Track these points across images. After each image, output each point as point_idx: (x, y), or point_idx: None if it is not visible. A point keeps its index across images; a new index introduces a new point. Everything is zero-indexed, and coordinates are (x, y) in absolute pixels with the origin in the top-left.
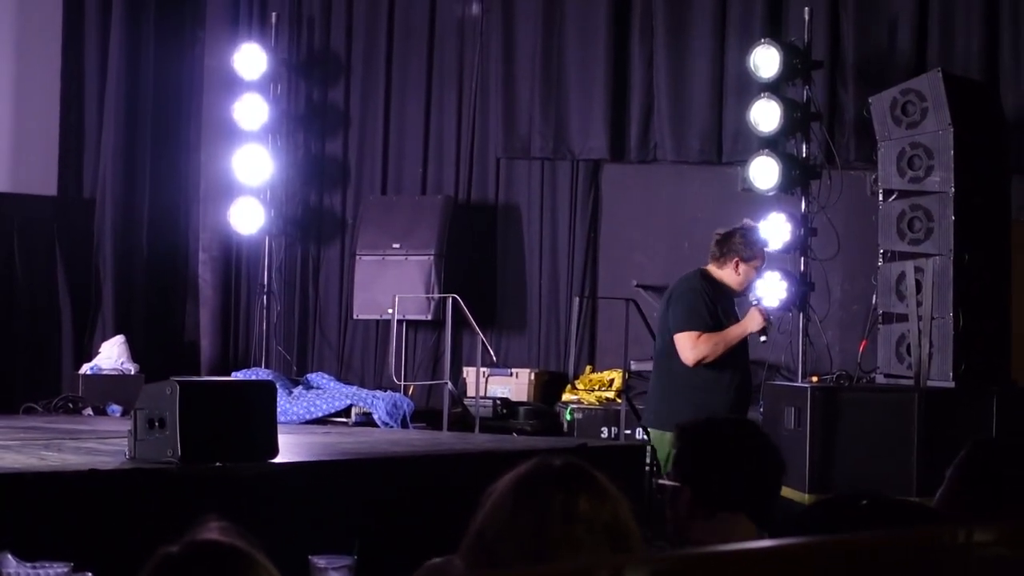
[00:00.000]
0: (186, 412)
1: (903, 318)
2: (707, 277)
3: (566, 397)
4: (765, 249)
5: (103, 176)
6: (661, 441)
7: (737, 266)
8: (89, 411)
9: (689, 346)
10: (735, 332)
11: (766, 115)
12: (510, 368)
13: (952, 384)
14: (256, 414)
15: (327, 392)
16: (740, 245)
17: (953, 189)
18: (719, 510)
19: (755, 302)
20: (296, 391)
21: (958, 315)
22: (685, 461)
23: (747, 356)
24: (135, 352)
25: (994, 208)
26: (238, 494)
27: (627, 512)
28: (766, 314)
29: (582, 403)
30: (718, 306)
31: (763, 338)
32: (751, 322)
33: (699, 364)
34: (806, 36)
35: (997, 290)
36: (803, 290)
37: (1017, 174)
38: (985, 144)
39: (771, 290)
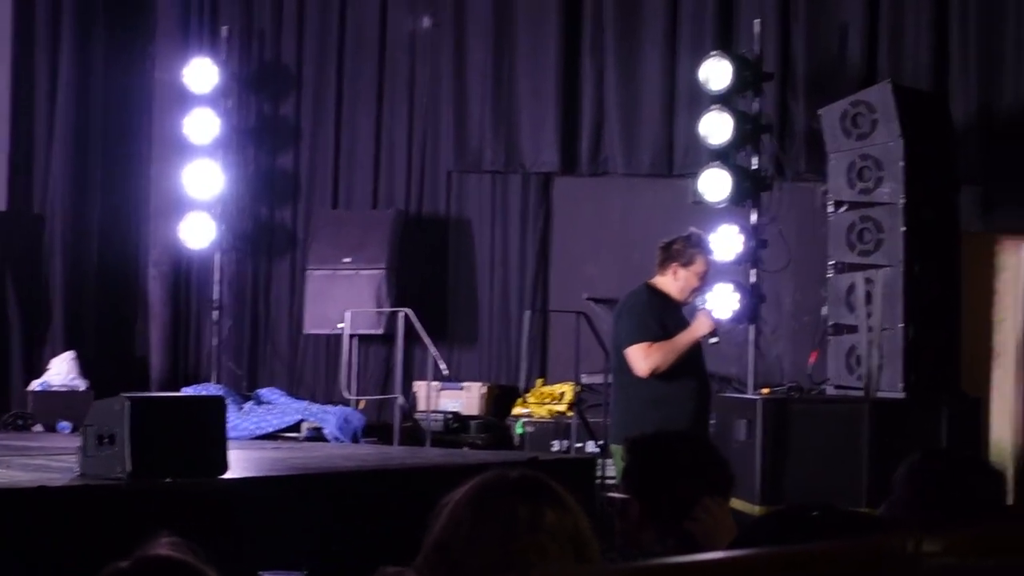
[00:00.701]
0: (136, 428)
1: (853, 329)
2: (652, 289)
3: (517, 411)
4: (710, 257)
5: (53, 190)
6: (616, 452)
7: (676, 272)
8: (39, 427)
9: (641, 357)
10: (684, 339)
11: (717, 127)
12: (461, 382)
13: (902, 395)
14: (206, 430)
15: (277, 407)
16: (678, 252)
17: (903, 200)
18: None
19: (702, 306)
20: (246, 406)
21: (908, 326)
22: (633, 474)
23: (703, 364)
24: (85, 368)
25: (944, 219)
26: (188, 510)
27: (586, 523)
28: (713, 317)
29: (533, 416)
30: (666, 317)
31: (713, 340)
32: (699, 326)
33: (653, 375)
34: (756, 48)
35: (947, 301)
36: (754, 302)
37: (967, 185)
38: (935, 155)
39: (723, 302)
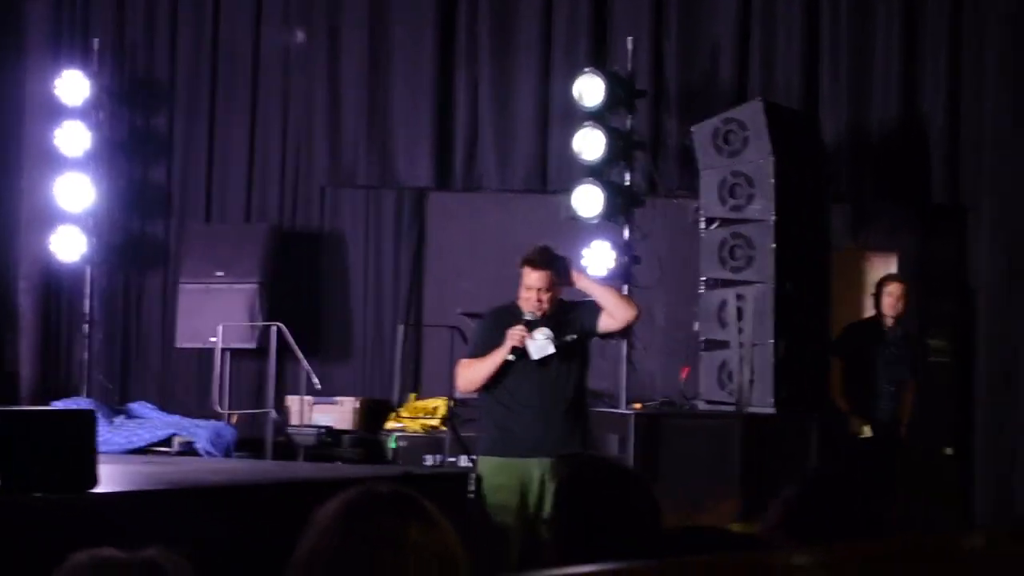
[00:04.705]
0: (2, 442)
1: (725, 345)
2: (506, 305)
3: (390, 425)
4: (529, 268)
5: None
6: (480, 466)
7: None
8: None
9: (457, 373)
10: (492, 357)
11: (590, 144)
12: (334, 396)
13: (773, 410)
14: (76, 443)
15: (149, 421)
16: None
17: (774, 217)
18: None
19: (529, 317)
20: (117, 420)
21: (779, 342)
22: (564, 503)
23: (539, 383)
24: None
25: (814, 236)
26: (57, 525)
27: (455, 539)
28: (522, 334)
29: (406, 431)
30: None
31: (511, 357)
32: (507, 342)
33: (470, 390)
34: (629, 66)
35: (817, 317)
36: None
37: (837, 203)
38: (805, 173)
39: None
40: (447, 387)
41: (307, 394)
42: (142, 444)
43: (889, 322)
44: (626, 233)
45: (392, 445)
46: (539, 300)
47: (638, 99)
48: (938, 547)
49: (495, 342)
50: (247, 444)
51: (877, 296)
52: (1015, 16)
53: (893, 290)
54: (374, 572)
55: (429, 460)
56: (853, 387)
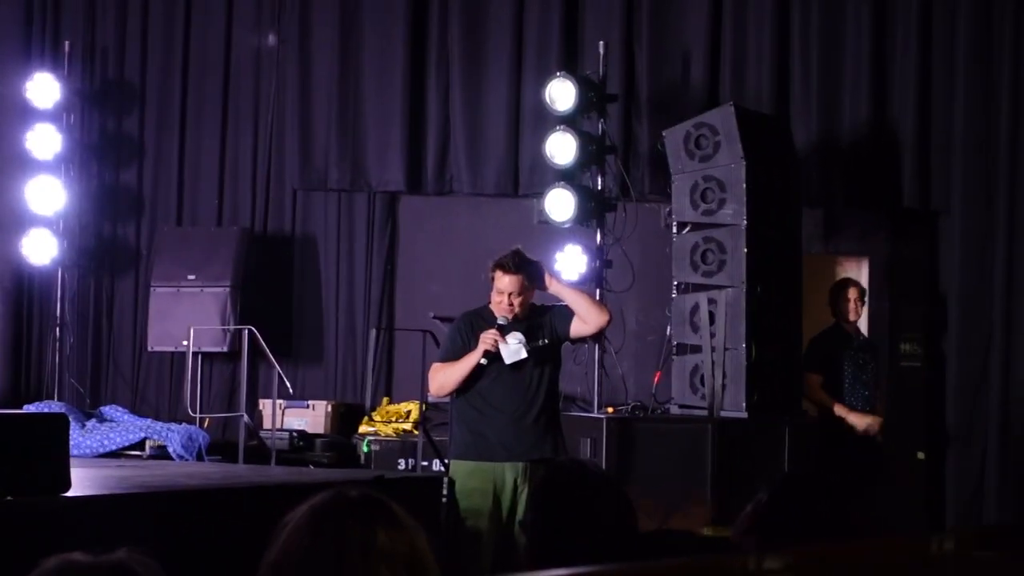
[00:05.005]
0: None
1: (697, 349)
2: (480, 309)
3: (363, 429)
4: (500, 273)
5: None
6: (453, 470)
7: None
8: None
9: (430, 377)
10: (465, 361)
11: (562, 148)
12: (307, 400)
13: (745, 414)
14: (47, 447)
15: (121, 425)
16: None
17: (745, 222)
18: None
19: (502, 322)
20: (89, 424)
21: (751, 346)
22: (539, 507)
23: (512, 388)
24: None
25: (786, 240)
26: (29, 529)
27: (424, 543)
28: (494, 337)
29: (379, 435)
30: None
31: (483, 361)
32: (480, 346)
33: (443, 395)
34: (601, 70)
35: (789, 322)
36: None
37: (808, 207)
38: (777, 177)
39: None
40: (420, 391)
41: (279, 398)
42: (114, 448)
43: (851, 328)
44: (598, 237)
45: (365, 449)
46: (511, 305)
47: (610, 103)
48: (909, 549)
49: (467, 346)
50: (219, 448)
51: (835, 302)
52: (984, 21)
53: (852, 294)
54: (342, 575)
55: (402, 464)
56: (837, 397)
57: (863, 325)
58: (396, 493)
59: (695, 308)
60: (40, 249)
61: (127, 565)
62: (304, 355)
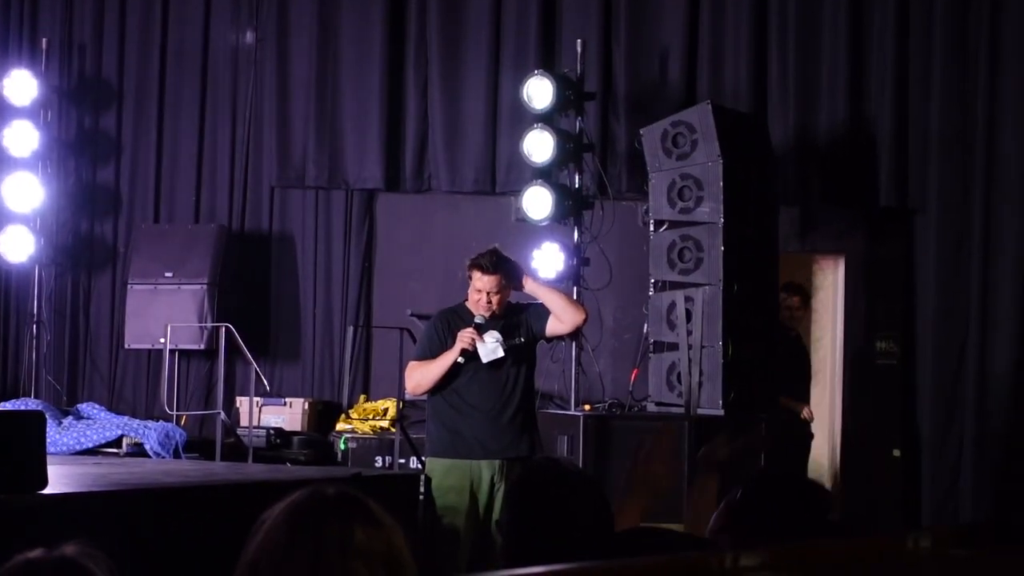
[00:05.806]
0: None
1: (674, 347)
2: (456, 307)
3: (340, 427)
4: (478, 272)
5: None
6: (429, 468)
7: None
8: None
9: (406, 375)
10: (442, 359)
11: (539, 146)
12: (284, 398)
13: (721, 412)
14: (24, 444)
15: (98, 422)
16: (467, 267)
17: (722, 220)
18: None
19: (479, 320)
20: (66, 421)
21: (727, 344)
22: (516, 504)
23: (489, 386)
24: None
25: (762, 239)
26: (5, 526)
27: (402, 541)
28: (471, 336)
29: (356, 432)
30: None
31: (460, 359)
32: (456, 344)
33: (419, 393)
34: (579, 68)
35: (765, 319)
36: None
37: (784, 206)
38: (753, 175)
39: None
40: (397, 388)
41: (256, 395)
42: (91, 445)
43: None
44: (575, 235)
45: (342, 447)
46: (488, 303)
47: (587, 101)
48: (884, 547)
49: (444, 344)
50: (196, 445)
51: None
52: (960, 21)
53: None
54: (319, 574)
55: (379, 462)
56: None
57: (839, 322)
58: (373, 491)
59: (672, 306)
60: (17, 246)
61: (72, 559)
62: (281, 352)
